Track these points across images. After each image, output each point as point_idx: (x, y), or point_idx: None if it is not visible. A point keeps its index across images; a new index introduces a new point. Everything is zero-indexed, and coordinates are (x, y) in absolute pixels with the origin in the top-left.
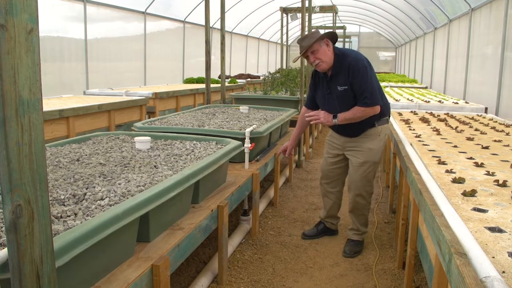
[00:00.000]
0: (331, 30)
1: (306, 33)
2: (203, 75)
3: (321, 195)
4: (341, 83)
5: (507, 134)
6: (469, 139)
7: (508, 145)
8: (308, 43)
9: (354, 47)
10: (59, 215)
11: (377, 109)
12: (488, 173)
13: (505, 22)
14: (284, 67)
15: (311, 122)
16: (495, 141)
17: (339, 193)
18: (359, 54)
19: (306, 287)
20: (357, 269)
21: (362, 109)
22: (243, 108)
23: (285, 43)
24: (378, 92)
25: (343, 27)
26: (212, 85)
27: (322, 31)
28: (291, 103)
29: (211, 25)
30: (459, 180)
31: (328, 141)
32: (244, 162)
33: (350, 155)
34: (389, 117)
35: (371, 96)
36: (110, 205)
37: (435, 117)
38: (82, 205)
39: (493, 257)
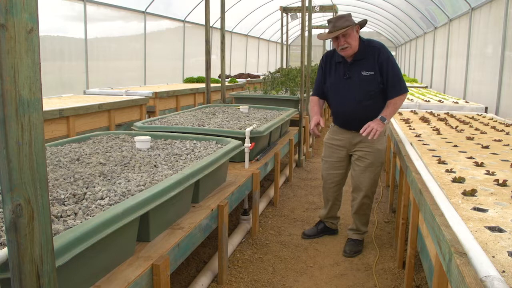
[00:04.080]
0: (364, 19)
1: (306, 32)
2: (203, 74)
3: (323, 197)
4: (367, 68)
5: (507, 133)
6: (469, 138)
7: (508, 145)
8: (344, 25)
9: None
10: (59, 214)
11: (405, 96)
12: (488, 173)
13: (505, 21)
14: (284, 66)
15: (371, 137)
16: (495, 140)
17: (340, 195)
18: (382, 43)
19: (306, 287)
20: (357, 269)
21: (398, 98)
22: (243, 108)
23: (285, 43)
24: None
25: None
26: (212, 85)
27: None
28: (291, 102)
29: (211, 25)
30: (459, 180)
31: (329, 144)
32: (244, 161)
33: (359, 156)
34: None
35: (402, 83)
36: (110, 205)
37: (435, 116)
38: (82, 204)
39: (493, 257)
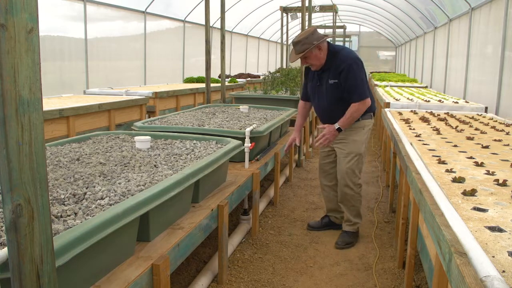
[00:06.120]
0: (325, 35)
1: None
2: (203, 74)
3: (320, 189)
4: (332, 77)
5: (507, 133)
6: (469, 138)
7: (508, 145)
8: (301, 50)
9: (354, 46)
10: (59, 214)
11: (367, 102)
12: (488, 173)
13: (505, 21)
14: (284, 66)
15: (321, 145)
16: (495, 140)
17: (336, 186)
18: (350, 51)
19: (306, 287)
20: (357, 269)
21: (355, 106)
22: (243, 108)
23: (285, 43)
24: (367, 87)
25: (343, 27)
26: (212, 85)
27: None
28: (291, 102)
29: (211, 25)
30: (459, 180)
31: None
32: (244, 161)
33: (336, 147)
34: (374, 114)
35: (357, 92)
36: (110, 205)
37: (435, 116)
38: (82, 204)
39: (493, 257)
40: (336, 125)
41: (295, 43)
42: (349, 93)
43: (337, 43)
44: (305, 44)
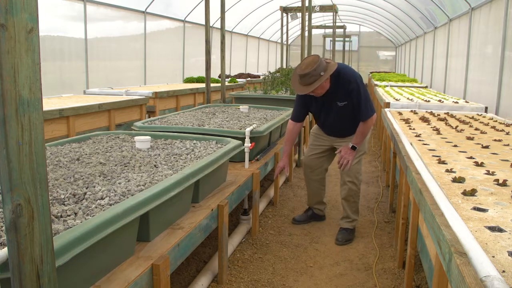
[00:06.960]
0: (333, 66)
1: (306, 32)
2: (203, 74)
3: (306, 183)
4: (341, 99)
5: (507, 133)
6: (469, 138)
7: (508, 145)
8: (309, 82)
9: (354, 46)
10: (59, 214)
11: (374, 117)
12: (488, 173)
13: (505, 21)
14: (284, 66)
15: (346, 167)
16: (495, 140)
17: (323, 180)
18: (350, 69)
19: (306, 287)
20: (357, 269)
21: (363, 124)
22: (243, 108)
23: (285, 43)
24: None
25: (343, 27)
26: (212, 85)
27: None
28: (291, 102)
29: (211, 25)
30: (459, 180)
31: (315, 134)
32: (244, 161)
33: (341, 147)
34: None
35: (367, 110)
36: (110, 205)
37: (435, 116)
38: (82, 204)
39: (493, 257)
40: (350, 145)
41: (301, 74)
42: (357, 110)
43: (337, 43)
44: (313, 76)
